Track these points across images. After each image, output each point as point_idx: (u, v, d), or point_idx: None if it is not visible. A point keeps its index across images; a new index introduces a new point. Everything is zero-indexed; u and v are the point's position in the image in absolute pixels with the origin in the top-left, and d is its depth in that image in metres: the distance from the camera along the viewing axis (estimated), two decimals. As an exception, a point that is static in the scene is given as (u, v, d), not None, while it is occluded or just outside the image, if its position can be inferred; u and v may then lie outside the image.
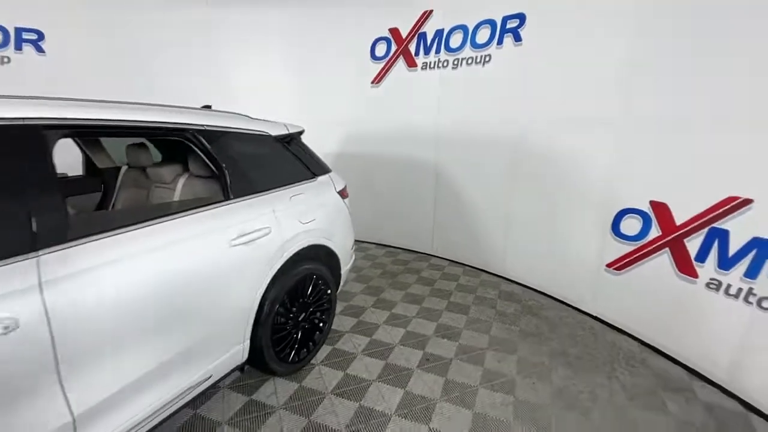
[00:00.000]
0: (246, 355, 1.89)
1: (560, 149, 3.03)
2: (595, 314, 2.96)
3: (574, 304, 3.11)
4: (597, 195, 2.80)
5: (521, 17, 3.16)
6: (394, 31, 4.00)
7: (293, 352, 2.19)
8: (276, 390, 2.11)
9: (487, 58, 3.42)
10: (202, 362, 1.65)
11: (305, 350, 2.29)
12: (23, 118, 1.19)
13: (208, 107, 2.31)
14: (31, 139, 1.20)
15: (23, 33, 3.88)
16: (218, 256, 1.66)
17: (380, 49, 4.12)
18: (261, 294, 1.88)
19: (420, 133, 4.00)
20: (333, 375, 2.25)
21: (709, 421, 1.97)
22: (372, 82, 4.22)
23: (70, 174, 2.55)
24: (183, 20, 4.32)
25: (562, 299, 3.20)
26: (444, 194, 4.01)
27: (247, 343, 1.88)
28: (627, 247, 2.66)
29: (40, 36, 3.94)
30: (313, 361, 2.36)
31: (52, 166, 1.24)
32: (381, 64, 4.13)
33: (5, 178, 1.13)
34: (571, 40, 2.86)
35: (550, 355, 2.50)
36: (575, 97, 2.86)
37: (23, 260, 1.09)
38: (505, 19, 3.26)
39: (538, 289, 3.39)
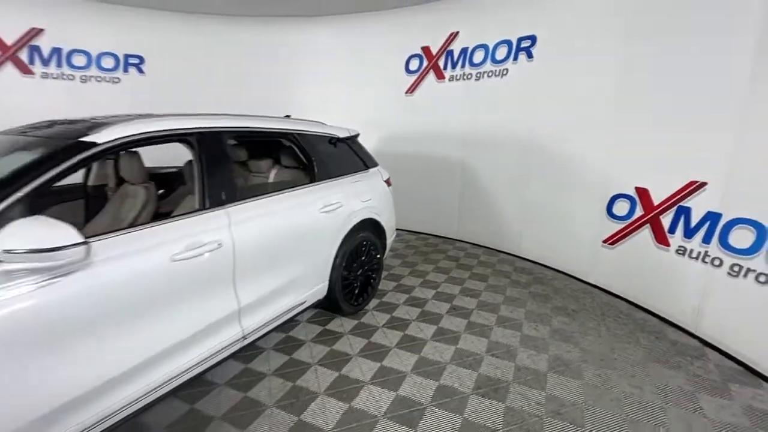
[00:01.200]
0: (325, 293, 2.67)
1: (565, 146, 3.67)
2: (593, 282, 3.57)
3: (577, 275, 3.73)
4: (595, 184, 3.43)
5: (533, 38, 3.82)
6: (426, 49, 4.74)
7: (353, 298, 2.96)
8: (342, 324, 2.87)
9: (505, 72, 4.10)
10: (301, 290, 2.43)
11: (361, 298, 3.05)
12: (219, 127, 2.01)
13: (288, 116, 3.12)
14: (223, 140, 2.02)
15: (129, 58, 4.89)
16: (313, 218, 2.44)
17: (413, 64, 4.87)
18: (336, 248, 2.66)
19: (447, 134, 4.71)
20: (382, 317, 2.99)
21: (672, 350, 2.58)
22: (406, 92, 4.97)
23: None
24: (263, 41, 5.21)
25: (567, 272, 3.83)
26: (468, 186, 4.70)
27: (326, 284, 2.65)
28: (618, 225, 3.28)
29: (142, 60, 4.93)
30: (366, 308, 3.12)
31: (230, 158, 2.05)
32: (414, 77, 4.88)
33: (215, 165, 1.94)
34: (572, 57, 3.51)
35: (553, 309, 3.15)
36: (576, 103, 3.50)
37: (222, 209, 1.90)
38: (519, 40, 3.93)
39: (548, 264, 4.03)
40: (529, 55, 3.87)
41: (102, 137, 1.57)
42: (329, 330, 2.79)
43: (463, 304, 3.20)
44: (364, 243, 2.99)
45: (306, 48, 5.25)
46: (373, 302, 3.22)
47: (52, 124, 1.95)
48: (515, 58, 3.99)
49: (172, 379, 1.69)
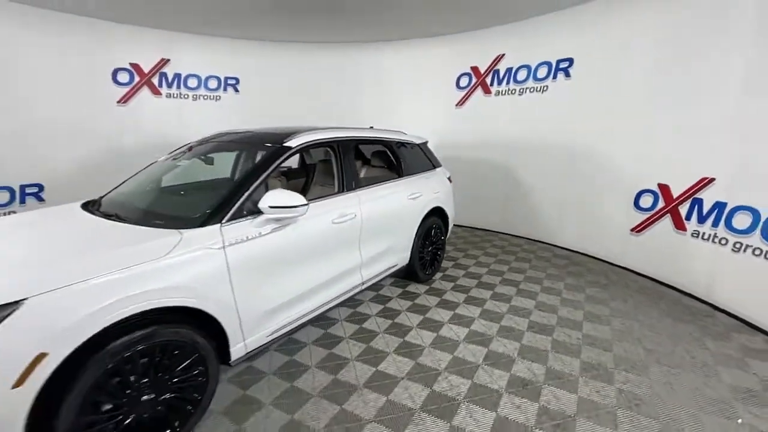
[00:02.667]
0: (408, 261, 3.50)
1: (597, 151, 4.37)
2: (622, 265, 4.23)
3: (608, 260, 4.39)
4: (623, 181, 4.11)
5: (570, 60, 4.56)
6: (475, 68, 5.55)
7: (425, 268, 3.78)
8: (417, 288, 3.69)
9: (545, 88, 4.85)
10: (393, 256, 3.28)
11: (431, 269, 3.86)
12: (350, 137, 2.91)
13: (371, 127, 4.00)
14: (352, 146, 2.92)
15: (228, 80, 5.98)
16: (403, 203, 3.30)
17: (463, 81, 5.69)
18: (416, 227, 3.49)
19: (493, 140, 5.48)
20: (448, 284, 3.79)
21: (686, 311, 3.24)
22: (456, 105, 5.79)
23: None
24: (338, 64, 6.19)
25: (599, 257, 4.50)
26: (511, 185, 5.44)
27: (409, 254, 3.48)
28: (644, 216, 3.94)
29: (237, 81, 6.02)
30: (433, 278, 3.93)
31: (354, 160, 2.93)
32: (463, 92, 5.70)
33: (348, 163, 2.83)
34: (604, 76, 4.22)
35: (587, 282, 3.85)
36: (608, 114, 4.20)
37: (354, 192, 2.79)
38: (558, 61, 4.68)
39: (582, 251, 4.70)
40: (567, 74, 4.60)
41: (293, 143, 2.48)
42: (408, 291, 3.62)
43: (512, 278, 3.95)
44: (434, 226, 3.81)
45: (374, 68, 6.18)
46: (438, 275, 4.03)
47: (238, 133, 2.91)
48: (554, 77, 4.73)
49: (329, 301, 2.57)
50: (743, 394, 2.26)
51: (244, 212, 2.09)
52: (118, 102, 5.20)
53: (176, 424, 1.81)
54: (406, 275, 3.74)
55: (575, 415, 2.06)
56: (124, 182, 2.83)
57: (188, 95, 5.77)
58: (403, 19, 4.98)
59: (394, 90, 6.21)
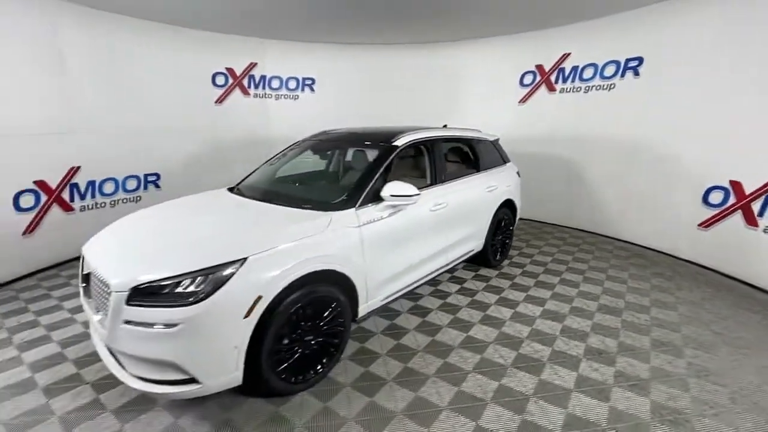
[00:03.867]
0: (482, 248, 3.89)
1: (667, 147, 4.50)
2: (688, 258, 4.37)
3: (672, 253, 4.54)
4: (692, 177, 4.24)
5: (640, 59, 4.68)
6: (539, 67, 5.75)
7: (496, 255, 4.15)
8: (488, 273, 4.08)
9: (612, 86, 5.00)
10: (471, 242, 3.69)
11: (500, 255, 4.24)
12: (439, 136, 3.35)
13: (445, 126, 4.38)
14: (441, 143, 3.35)
15: (305, 80, 6.58)
16: (482, 195, 3.70)
17: (527, 79, 5.91)
18: (491, 217, 3.88)
19: (556, 136, 5.69)
20: (516, 270, 4.14)
21: (755, 302, 3.40)
22: (519, 102, 6.03)
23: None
24: (409, 64, 6.61)
25: (663, 250, 4.65)
26: (573, 180, 5.63)
27: (483, 241, 3.88)
28: (713, 211, 4.07)
29: (313, 81, 6.61)
30: (504, 263, 4.30)
31: (443, 156, 3.35)
32: (527, 89, 5.92)
33: (439, 159, 3.26)
34: (676, 73, 4.33)
35: (651, 273, 4.06)
36: (678, 112, 4.32)
37: (444, 185, 3.23)
38: (627, 60, 4.81)
39: (644, 245, 4.86)
40: (636, 73, 4.73)
41: (399, 142, 2.95)
42: (480, 274, 4.02)
43: (577, 266, 4.24)
44: (504, 216, 4.17)
45: (443, 68, 6.52)
46: (506, 262, 4.39)
47: (338, 132, 3.43)
48: (622, 75, 4.87)
49: (422, 277, 3.05)
50: (810, 373, 2.48)
51: (370, 199, 2.59)
52: (216, 102, 5.95)
53: (324, 360, 2.36)
54: (478, 261, 4.13)
55: (649, 378, 2.39)
56: (253, 172, 3.43)
57: (271, 95, 6.43)
58: (474, 20, 5.29)
59: (461, 88, 6.52)
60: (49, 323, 3.05)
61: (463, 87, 6.51)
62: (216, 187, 3.30)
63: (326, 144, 3.48)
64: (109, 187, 4.79)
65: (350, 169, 3.28)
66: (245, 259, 1.93)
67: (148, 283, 1.81)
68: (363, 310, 2.57)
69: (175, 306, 1.77)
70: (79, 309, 3.27)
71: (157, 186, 5.39)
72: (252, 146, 6.34)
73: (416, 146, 3.19)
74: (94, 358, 2.58)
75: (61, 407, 2.15)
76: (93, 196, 4.61)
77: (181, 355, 1.79)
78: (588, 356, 2.62)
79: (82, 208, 4.48)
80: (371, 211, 2.56)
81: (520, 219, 6.25)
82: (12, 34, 3.71)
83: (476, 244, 3.78)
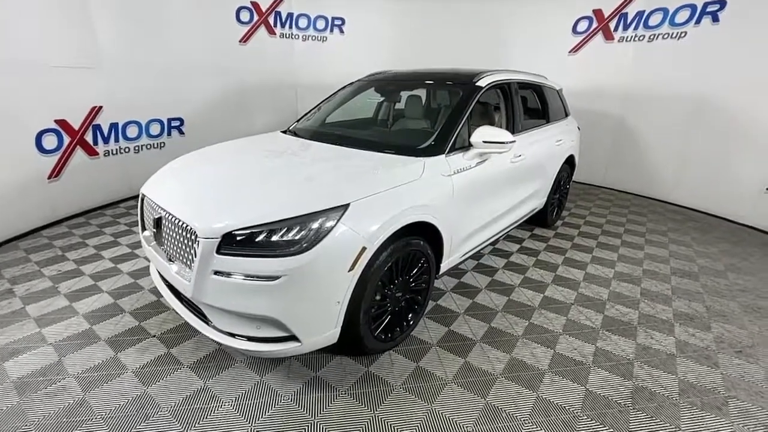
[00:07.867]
0: (543, 205, 3.66)
1: (738, 105, 4.16)
2: (751, 224, 4.18)
3: (731, 218, 4.34)
4: (761, 139, 3.94)
5: (722, 3, 4.21)
6: (597, 12, 5.23)
7: (554, 213, 3.93)
8: (544, 232, 3.88)
9: (683, 34, 4.54)
10: (536, 200, 3.45)
11: (556, 215, 4.02)
12: (519, 80, 2.99)
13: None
14: (519, 89, 3.00)
15: (335, 20, 6.00)
16: (552, 149, 3.41)
17: (581, 26, 5.40)
18: (555, 174, 3.61)
19: (607, 91, 5.29)
20: (572, 231, 3.93)
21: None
22: (569, 52, 5.55)
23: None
24: (442, 8, 6.03)
25: (721, 215, 4.44)
26: (622, 138, 5.31)
27: (545, 200, 3.64)
28: (786, 174, 3.82)
29: (343, 21, 6.03)
30: (558, 222, 4.10)
31: (520, 102, 3.02)
32: (580, 38, 5.42)
33: (519, 107, 2.93)
34: (762, 24, 3.89)
35: (714, 237, 3.89)
36: (760, 65, 3.93)
37: (521, 134, 2.92)
38: (705, 4, 4.33)
39: (699, 209, 4.65)
40: (715, 19, 4.27)
41: (483, 82, 2.61)
42: (537, 234, 3.82)
43: (635, 228, 4.05)
44: (564, 173, 3.90)
45: (485, 14, 5.94)
46: (558, 222, 4.18)
47: (399, 72, 3.07)
48: (698, 22, 4.41)
49: (494, 234, 2.82)
50: None
51: (457, 146, 2.31)
52: (240, 41, 5.42)
53: (409, 316, 2.19)
54: (533, 220, 3.90)
55: (753, 345, 2.26)
56: (308, 114, 3.10)
57: (298, 35, 5.88)
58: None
59: (504, 36, 5.97)
60: (93, 273, 2.84)
61: (507, 34, 5.96)
62: (245, 134, 2.97)
63: (393, 84, 3.11)
64: (132, 131, 4.42)
65: (430, 112, 2.94)
66: (348, 205, 1.68)
67: (243, 228, 1.57)
68: (445, 266, 2.37)
69: (278, 256, 1.54)
70: (121, 258, 3.06)
71: (181, 132, 5.02)
72: (278, 91, 5.89)
73: (495, 89, 2.84)
74: (153, 310, 2.40)
75: (133, 361, 1.99)
76: (117, 140, 4.26)
77: (283, 310, 1.59)
78: (679, 321, 2.48)
79: (106, 153, 4.15)
80: (460, 158, 2.28)
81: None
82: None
83: (539, 202, 3.54)
